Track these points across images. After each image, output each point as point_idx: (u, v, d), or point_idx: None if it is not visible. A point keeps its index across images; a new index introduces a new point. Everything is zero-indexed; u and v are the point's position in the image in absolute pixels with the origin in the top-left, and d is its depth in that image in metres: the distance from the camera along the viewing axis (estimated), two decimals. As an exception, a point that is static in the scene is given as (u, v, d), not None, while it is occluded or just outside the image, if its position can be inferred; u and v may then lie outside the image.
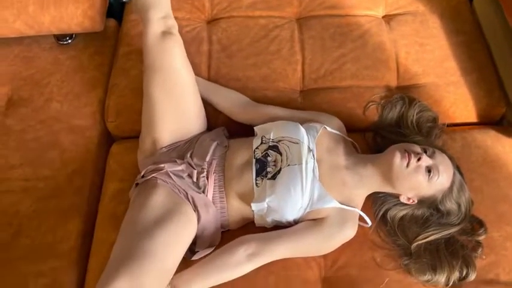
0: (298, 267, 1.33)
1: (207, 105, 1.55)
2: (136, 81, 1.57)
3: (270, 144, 1.37)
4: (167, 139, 1.44)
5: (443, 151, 1.38)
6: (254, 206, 1.31)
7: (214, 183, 1.35)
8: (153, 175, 1.34)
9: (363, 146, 1.51)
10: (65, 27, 1.67)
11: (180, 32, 1.47)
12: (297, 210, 1.31)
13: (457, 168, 1.39)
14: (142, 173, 1.38)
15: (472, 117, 1.63)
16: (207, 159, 1.37)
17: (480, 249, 1.35)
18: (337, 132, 1.45)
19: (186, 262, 1.28)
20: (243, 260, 1.26)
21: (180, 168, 1.36)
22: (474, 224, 1.38)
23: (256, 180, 1.33)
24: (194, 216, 1.31)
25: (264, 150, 1.36)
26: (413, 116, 1.50)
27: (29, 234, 1.43)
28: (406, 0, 1.82)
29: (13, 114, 1.62)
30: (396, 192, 1.36)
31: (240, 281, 1.27)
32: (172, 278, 1.23)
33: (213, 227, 1.35)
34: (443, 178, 1.31)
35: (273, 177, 1.32)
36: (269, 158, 1.35)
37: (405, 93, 1.57)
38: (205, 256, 1.30)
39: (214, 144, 1.41)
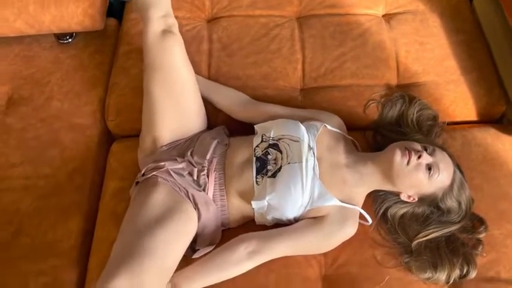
0: (298, 265, 1.33)
1: (207, 103, 1.55)
2: (136, 80, 1.57)
3: (271, 142, 1.37)
4: (167, 137, 1.44)
5: (443, 149, 1.39)
6: (254, 204, 1.32)
7: (215, 181, 1.35)
8: (154, 173, 1.34)
9: (363, 145, 1.51)
10: (66, 26, 1.68)
11: (180, 31, 1.47)
12: (297, 208, 1.31)
13: (458, 166, 1.39)
14: (142, 171, 1.38)
15: (472, 116, 1.63)
16: (208, 157, 1.37)
17: (481, 247, 1.35)
18: (338, 131, 1.45)
19: (187, 260, 1.28)
20: (244, 258, 1.27)
21: (180, 166, 1.36)
22: (475, 222, 1.38)
23: (256, 178, 1.33)
24: (195, 214, 1.31)
25: (265, 149, 1.37)
26: (413, 114, 1.50)
27: (30, 232, 1.43)
28: (406, -1, 1.83)
29: (13, 113, 1.63)
30: (397, 190, 1.36)
31: (240, 278, 1.27)
32: (172, 276, 1.23)
33: (213, 225, 1.35)
34: (443, 176, 1.31)
35: (273, 175, 1.32)
36: (269, 156, 1.35)
37: (405, 92, 1.57)
38: (205, 254, 1.30)
39: (215, 142, 1.41)
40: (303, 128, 1.39)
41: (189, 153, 1.38)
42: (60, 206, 1.47)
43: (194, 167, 1.36)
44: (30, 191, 1.49)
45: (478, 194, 1.42)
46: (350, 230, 1.32)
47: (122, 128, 1.62)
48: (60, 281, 1.37)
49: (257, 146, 1.38)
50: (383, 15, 1.81)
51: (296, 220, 1.34)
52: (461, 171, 1.39)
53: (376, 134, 1.53)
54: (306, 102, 1.60)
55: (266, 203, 1.31)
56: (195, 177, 1.35)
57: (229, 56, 1.68)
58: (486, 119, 1.65)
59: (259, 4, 1.80)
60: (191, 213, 1.30)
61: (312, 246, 1.33)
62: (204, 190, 1.34)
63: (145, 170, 1.37)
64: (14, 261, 1.38)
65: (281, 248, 1.30)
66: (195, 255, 1.30)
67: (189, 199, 1.32)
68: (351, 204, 1.33)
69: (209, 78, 1.63)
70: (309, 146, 1.36)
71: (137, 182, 1.39)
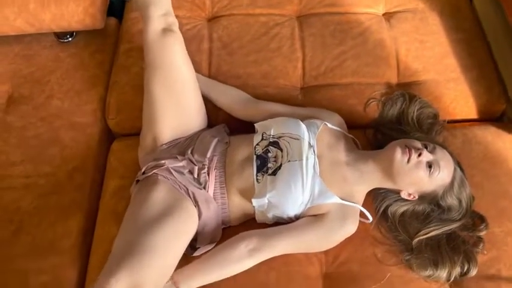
0: (299, 263, 1.33)
1: (207, 102, 1.55)
2: (136, 79, 1.57)
3: (271, 140, 1.37)
4: (168, 136, 1.44)
5: (444, 147, 1.39)
6: (255, 202, 1.31)
7: (215, 179, 1.35)
8: (154, 171, 1.34)
9: (364, 143, 1.51)
10: (66, 25, 1.68)
11: (180, 30, 1.47)
12: (298, 206, 1.31)
13: (458, 164, 1.39)
14: (143, 170, 1.38)
15: (473, 114, 1.64)
16: (208, 155, 1.37)
17: (481, 245, 1.34)
18: (338, 129, 1.45)
19: (187, 258, 1.28)
20: (244, 256, 1.26)
21: (181, 164, 1.36)
22: (475, 220, 1.38)
23: (257, 176, 1.33)
24: (195, 212, 1.31)
25: (265, 147, 1.37)
26: (413, 112, 1.51)
27: (30, 231, 1.43)
28: (406, -2, 1.83)
29: (14, 112, 1.63)
30: (397, 188, 1.36)
31: (241, 276, 1.27)
32: (173, 274, 1.23)
33: (214, 223, 1.35)
34: (444, 173, 1.31)
35: (274, 173, 1.32)
36: (270, 154, 1.35)
37: (405, 90, 1.58)
38: (206, 252, 1.30)
39: (215, 140, 1.41)
40: (303, 126, 1.39)
41: (189, 152, 1.38)
42: (60, 204, 1.47)
43: (195, 165, 1.36)
44: (30, 190, 1.49)
45: (479, 191, 1.42)
46: (350, 228, 1.32)
47: (122, 126, 1.62)
48: (60, 280, 1.37)
49: (257, 144, 1.38)
50: (383, 14, 1.81)
51: (297, 218, 1.34)
52: (461, 169, 1.39)
53: (376, 132, 1.53)
54: (306, 100, 1.60)
55: (266, 201, 1.31)
56: (196, 175, 1.35)
57: (229, 55, 1.68)
58: (486, 117, 1.65)
59: (259, 3, 1.80)
60: (191, 211, 1.30)
61: (312, 244, 1.33)
62: (204, 188, 1.34)
63: (145, 168, 1.37)
64: (14, 260, 1.38)
65: (282, 245, 1.29)
66: (196, 253, 1.30)
67: (190, 197, 1.32)
68: (351, 202, 1.33)
69: (209, 76, 1.63)
70: (309, 144, 1.36)
71: (137, 181, 1.39)
